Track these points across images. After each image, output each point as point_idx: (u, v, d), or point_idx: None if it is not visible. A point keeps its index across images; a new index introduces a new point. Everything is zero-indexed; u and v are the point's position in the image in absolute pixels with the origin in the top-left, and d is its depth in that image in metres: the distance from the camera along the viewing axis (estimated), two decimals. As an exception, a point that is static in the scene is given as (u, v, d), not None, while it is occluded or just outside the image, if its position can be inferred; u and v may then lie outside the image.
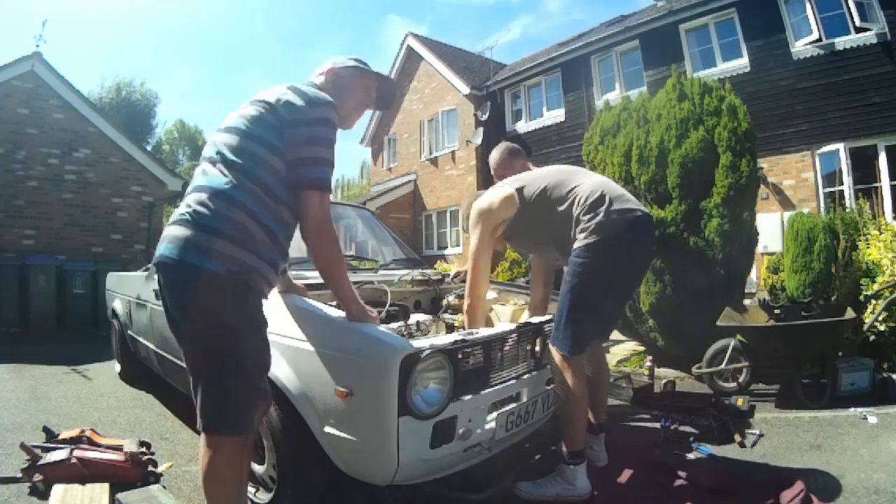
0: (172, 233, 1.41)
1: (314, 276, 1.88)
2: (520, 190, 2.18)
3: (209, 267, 1.34)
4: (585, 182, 2.11)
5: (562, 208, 2.08)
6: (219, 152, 1.48)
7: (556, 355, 2.00)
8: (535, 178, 2.23)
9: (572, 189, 2.09)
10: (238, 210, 1.39)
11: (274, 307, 1.82)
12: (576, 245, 1.99)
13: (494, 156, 2.78)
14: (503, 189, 2.23)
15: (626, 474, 2.20)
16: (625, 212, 1.98)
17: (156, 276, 1.50)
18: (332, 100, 1.57)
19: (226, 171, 1.43)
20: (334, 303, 1.81)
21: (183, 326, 1.43)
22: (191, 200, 1.43)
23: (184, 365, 2.57)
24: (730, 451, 2.55)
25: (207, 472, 1.42)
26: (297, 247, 1.75)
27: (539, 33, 52.26)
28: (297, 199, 1.49)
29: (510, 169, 2.62)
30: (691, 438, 2.69)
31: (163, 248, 1.41)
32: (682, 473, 2.16)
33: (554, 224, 2.10)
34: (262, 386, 1.48)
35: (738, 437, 2.67)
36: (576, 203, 2.05)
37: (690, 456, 2.48)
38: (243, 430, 1.42)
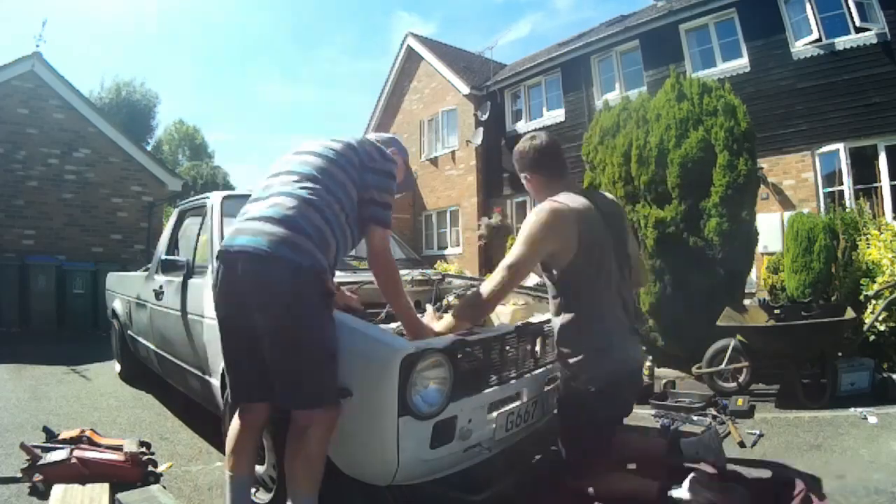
0: (258, 227, 1.53)
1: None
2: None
3: (300, 260, 1.49)
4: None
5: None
6: (309, 171, 1.68)
7: None
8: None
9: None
10: (321, 220, 1.58)
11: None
12: None
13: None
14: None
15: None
16: None
17: (219, 267, 1.58)
18: (397, 161, 1.91)
19: (314, 188, 1.63)
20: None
21: (272, 314, 1.50)
22: (278, 202, 1.58)
23: (183, 365, 2.56)
24: (730, 450, 2.55)
25: (304, 453, 1.52)
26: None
27: (548, 31, 51.82)
28: (366, 231, 1.76)
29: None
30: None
31: (244, 240, 1.52)
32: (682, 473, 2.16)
33: None
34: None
35: (738, 437, 2.68)
36: None
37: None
38: (338, 401, 1.56)
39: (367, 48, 66.06)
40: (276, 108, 65.09)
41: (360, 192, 1.73)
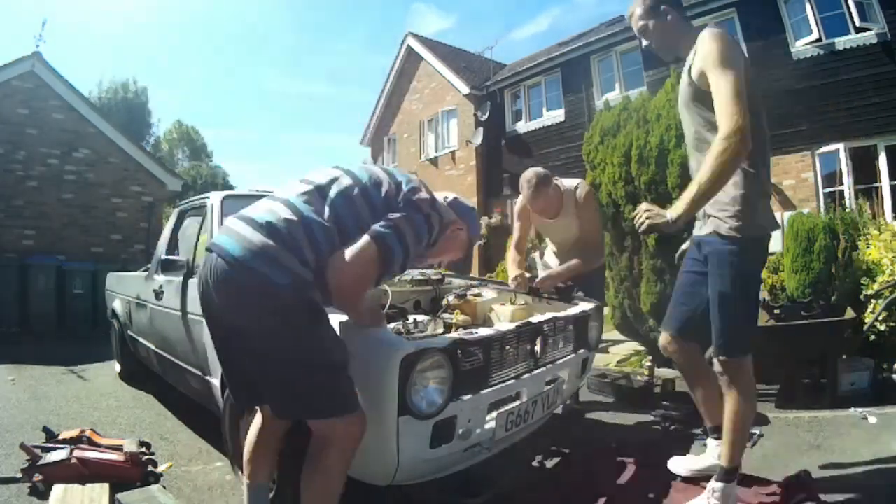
0: (242, 231, 1.45)
1: None
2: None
3: (276, 279, 1.37)
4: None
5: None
6: (322, 182, 1.54)
7: (725, 360, 1.82)
8: None
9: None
10: (308, 242, 1.43)
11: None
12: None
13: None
14: None
15: (626, 475, 2.20)
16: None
17: (210, 268, 1.48)
18: (446, 217, 1.67)
19: (317, 202, 1.49)
20: None
21: (250, 326, 1.43)
22: (269, 207, 1.49)
23: (183, 365, 2.55)
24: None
25: (321, 469, 1.44)
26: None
27: (568, 25, 50.91)
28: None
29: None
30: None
31: (224, 240, 1.44)
32: (683, 474, 2.16)
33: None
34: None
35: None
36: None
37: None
38: (356, 406, 1.45)
39: (381, 42, 65.43)
40: (283, 105, 64.80)
41: (379, 217, 1.50)
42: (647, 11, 1.97)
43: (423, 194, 1.59)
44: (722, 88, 1.64)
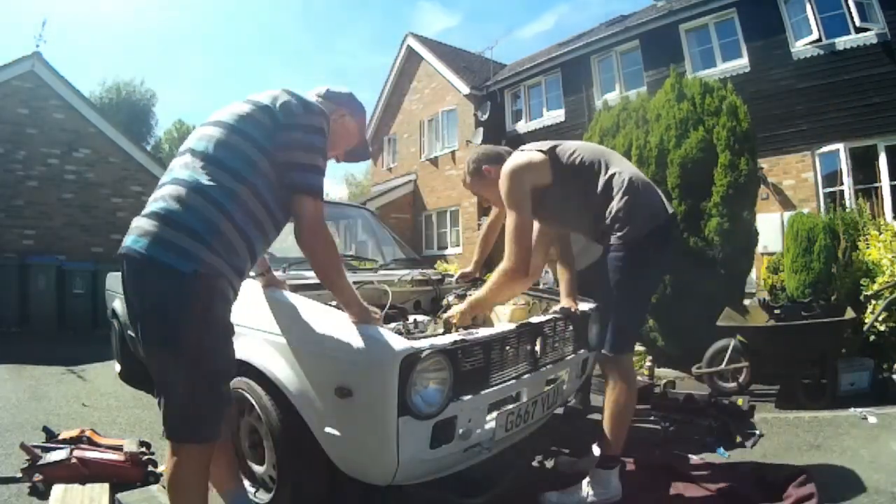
0: (142, 225, 1.35)
1: (313, 277, 1.88)
2: (553, 154, 2.02)
3: (176, 265, 1.29)
4: (624, 167, 2.02)
5: (599, 187, 1.97)
6: (206, 148, 1.43)
7: (608, 356, 2.01)
8: (570, 145, 2.09)
9: (610, 170, 1.98)
10: (223, 217, 1.36)
11: (274, 307, 1.83)
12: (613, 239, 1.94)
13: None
14: (534, 154, 2.02)
15: (626, 475, 2.20)
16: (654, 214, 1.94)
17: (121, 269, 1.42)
18: (326, 112, 1.58)
19: (213, 171, 1.39)
20: (334, 303, 1.81)
21: (146, 325, 1.36)
22: (166, 193, 1.37)
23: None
24: (735, 451, 2.55)
25: (172, 480, 1.38)
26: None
27: (574, 24, 49.73)
28: (292, 202, 1.48)
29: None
30: (711, 439, 2.67)
31: (129, 241, 1.35)
32: (684, 474, 2.16)
33: (589, 203, 2.00)
34: (227, 393, 1.45)
35: (738, 438, 2.67)
36: (615, 186, 1.94)
37: (692, 457, 2.47)
38: (210, 438, 1.40)
39: (385, 41, 64.78)
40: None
41: (276, 155, 1.45)
42: (474, 177, 2.24)
43: (310, 113, 1.51)
44: (507, 226, 1.93)
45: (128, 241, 1.36)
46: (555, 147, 2.04)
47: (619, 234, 1.91)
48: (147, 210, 1.39)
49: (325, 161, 1.54)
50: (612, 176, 1.96)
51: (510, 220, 1.92)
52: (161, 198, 1.37)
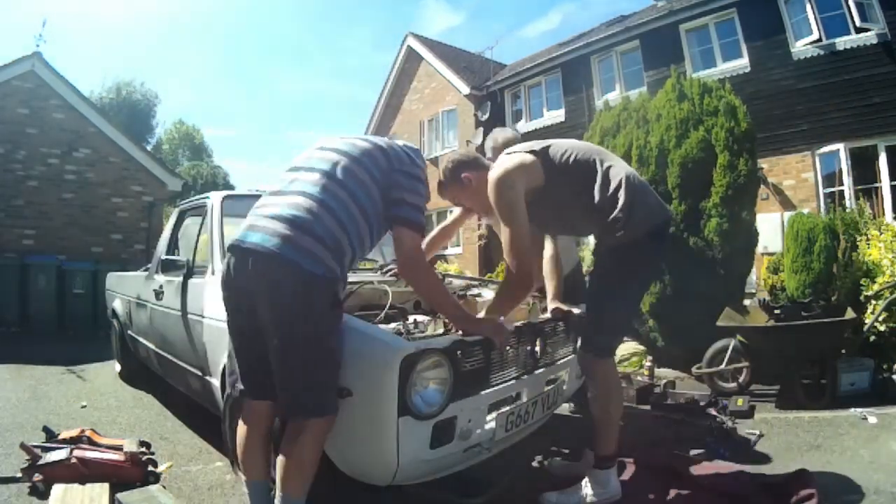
0: (270, 226, 1.50)
1: None
2: (544, 154, 1.95)
3: (312, 268, 1.46)
4: (619, 165, 1.97)
5: (595, 186, 1.90)
6: (332, 170, 1.62)
7: (589, 357, 2.00)
8: (562, 144, 2.03)
9: (606, 169, 1.92)
10: (344, 233, 1.54)
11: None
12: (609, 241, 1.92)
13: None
14: (524, 156, 1.95)
15: (626, 475, 2.20)
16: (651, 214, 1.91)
17: (230, 260, 1.56)
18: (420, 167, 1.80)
19: (338, 191, 1.58)
20: None
21: (281, 317, 1.48)
22: (294, 202, 1.54)
23: (183, 365, 2.55)
24: (735, 452, 2.54)
25: (297, 456, 1.49)
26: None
27: (580, 22, 49.46)
28: (395, 233, 1.67)
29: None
30: (711, 439, 2.67)
31: (257, 238, 1.49)
32: (685, 475, 2.16)
33: (585, 203, 1.92)
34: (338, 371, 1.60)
35: (738, 438, 2.67)
36: (612, 185, 1.88)
37: (692, 457, 2.47)
38: (334, 410, 1.53)
39: (388, 39, 64.68)
40: (284, 104, 64.54)
41: (386, 192, 1.65)
42: (452, 185, 2.19)
43: (418, 166, 1.76)
44: (502, 237, 1.89)
45: (254, 237, 1.51)
46: (547, 147, 1.98)
47: (617, 233, 1.87)
48: (271, 212, 1.55)
49: (425, 204, 1.75)
50: (609, 175, 1.91)
51: (506, 231, 1.83)
52: (288, 205, 1.55)
